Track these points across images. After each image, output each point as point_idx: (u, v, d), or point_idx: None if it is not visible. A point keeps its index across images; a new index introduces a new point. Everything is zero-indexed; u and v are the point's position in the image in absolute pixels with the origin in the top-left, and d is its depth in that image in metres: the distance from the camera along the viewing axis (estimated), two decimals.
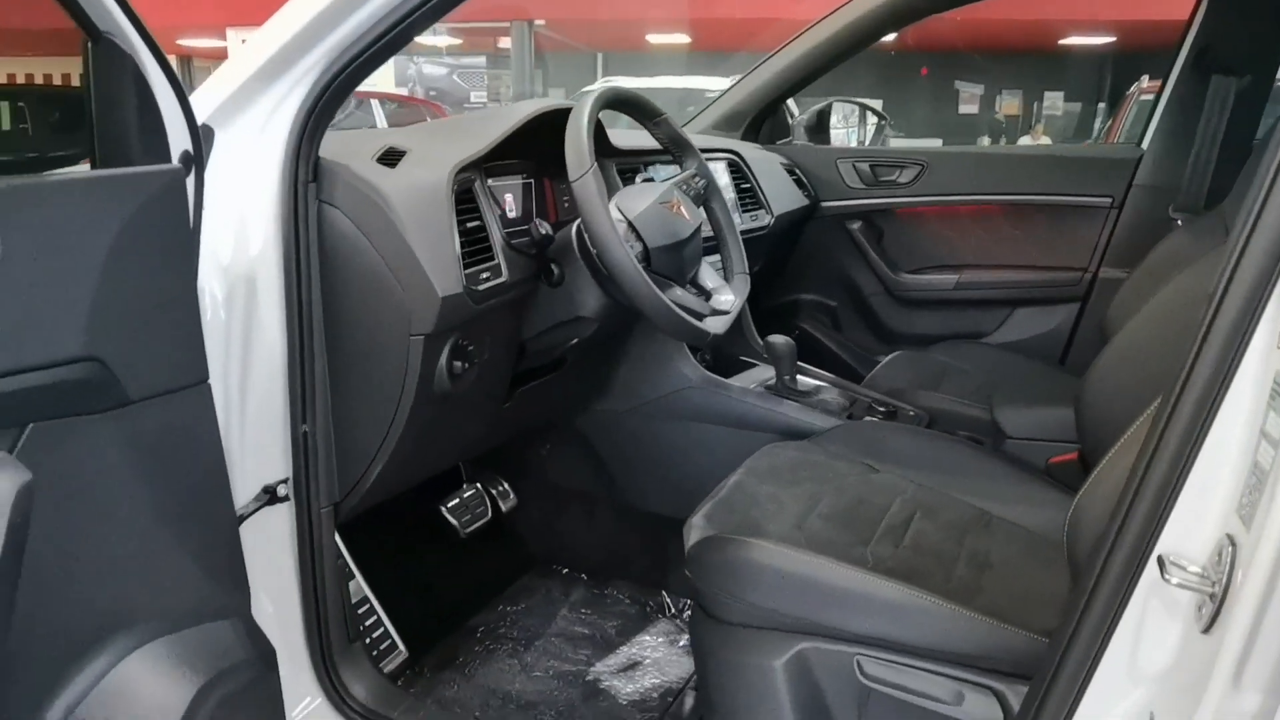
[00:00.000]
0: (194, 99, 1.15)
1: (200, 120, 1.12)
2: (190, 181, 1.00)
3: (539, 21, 11.59)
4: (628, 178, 1.65)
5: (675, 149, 1.50)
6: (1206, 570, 0.68)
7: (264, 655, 1.06)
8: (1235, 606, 0.63)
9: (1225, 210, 1.65)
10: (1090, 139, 12.71)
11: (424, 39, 13.47)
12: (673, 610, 1.82)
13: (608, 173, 1.60)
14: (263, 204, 1.14)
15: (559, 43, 13.06)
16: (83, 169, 0.93)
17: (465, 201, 1.27)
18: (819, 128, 2.59)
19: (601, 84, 1.59)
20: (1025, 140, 12.07)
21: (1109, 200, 2.21)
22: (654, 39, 13.70)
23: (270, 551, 1.26)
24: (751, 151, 2.27)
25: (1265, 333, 0.67)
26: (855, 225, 2.47)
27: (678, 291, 1.34)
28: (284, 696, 1.21)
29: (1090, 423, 1.38)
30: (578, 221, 1.34)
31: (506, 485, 1.98)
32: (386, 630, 1.62)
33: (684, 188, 1.45)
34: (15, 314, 0.77)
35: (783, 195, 2.22)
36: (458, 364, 1.24)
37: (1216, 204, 1.79)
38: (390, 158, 1.24)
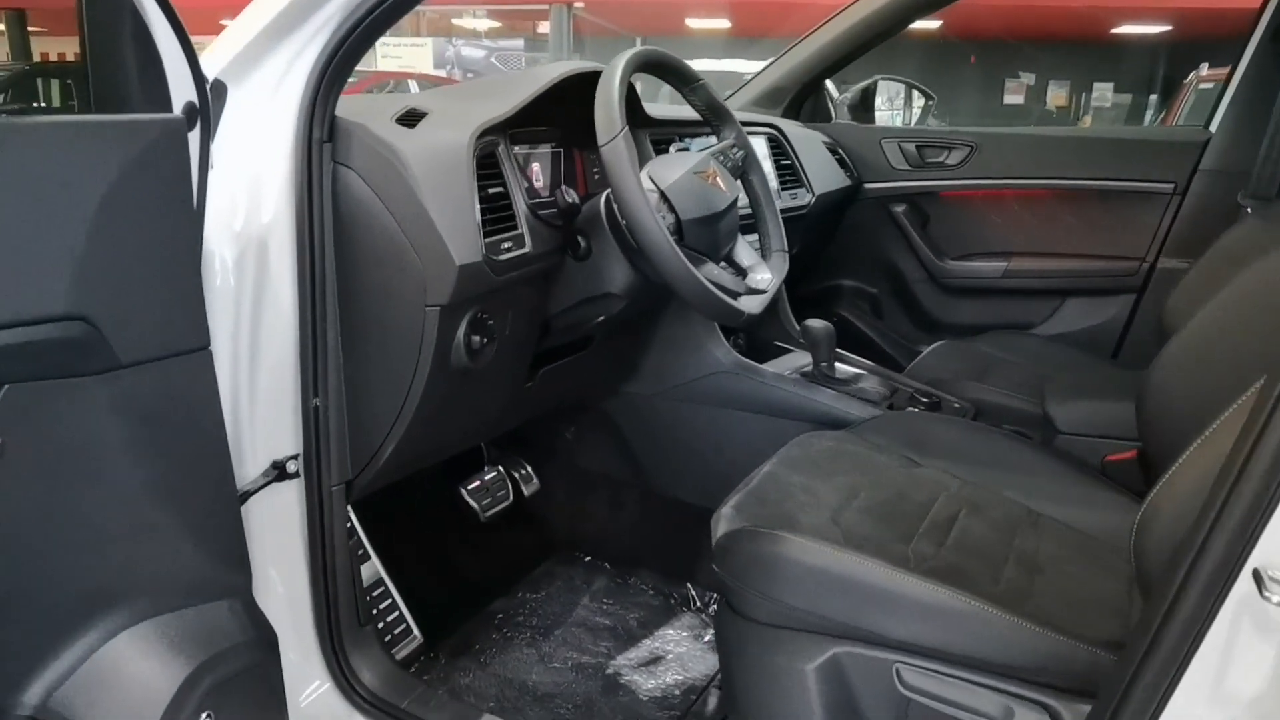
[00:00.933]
0: (207, 54, 1.09)
1: (213, 76, 1.07)
2: (195, 136, 0.94)
3: (578, 5, 11.49)
4: (661, 149, 1.57)
5: (713, 117, 1.42)
6: None
7: (264, 639, 1.01)
8: None
9: None
10: None
11: (462, 21, 13.43)
12: (698, 604, 1.75)
13: (640, 144, 1.52)
14: (276, 164, 1.08)
15: (598, 26, 12.95)
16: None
17: (488, 167, 1.20)
18: (863, 106, 2.48)
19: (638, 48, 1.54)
20: None
21: (1171, 186, 2.08)
22: (694, 23, 13.54)
23: (279, 529, 1.20)
24: (793, 128, 2.18)
25: None
26: (899, 208, 2.37)
27: (711, 268, 1.26)
28: (291, 681, 1.16)
29: (1153, 420, 1.28)
30: (607, 192, 1.26)
31: (529, 468, 1.92)
32: (401, 614, 1.57)
33: (721, 158, 1.36)
34: None
35: (824, 174, 2.13)
36: (476, 338, 1.17)
37: None
38: (410, 119, 1.17)
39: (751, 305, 1.26)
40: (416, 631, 1.57)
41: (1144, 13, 10.99)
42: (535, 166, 1.37)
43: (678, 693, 1.52)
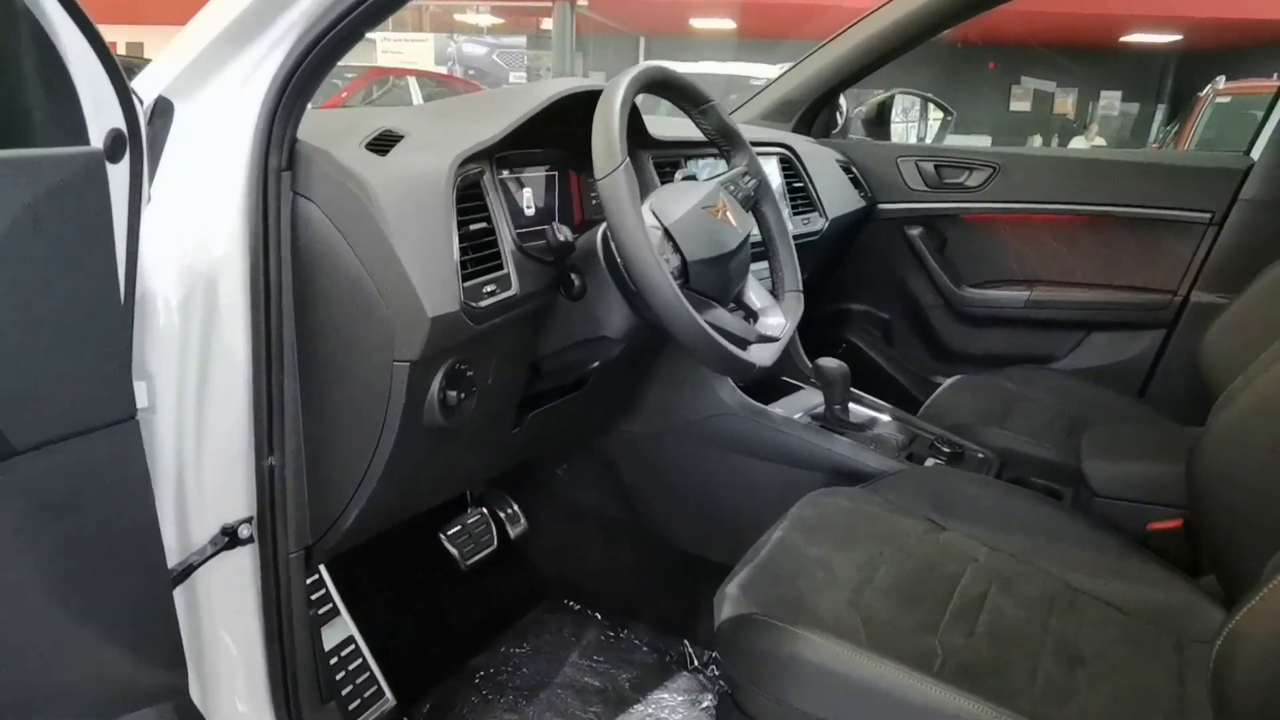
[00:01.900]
0: (152, 66, 0.96)
1: (157, 92, 0.94)
2: (124, 166, 0.81)
3: (581, 2, 11.34)
4: (666, 173, 1.44)
5: (724, 141, 1.28)
6: None
7: None
8: None
9: None
10: (1149, 142, 12.23)
11: (465, 17, 13.27)
12: (695, 663, 1.62)
13: (643, 168, 1.38)
14: (229, 193, 0.95)
15: (601, 25, 12.81)
16: None
17: (472, 199, 1.06)
18: (879, 122, 2.35)
19: (642, 65, 1.43)
20: (1078, 142, 11.60)
21: (1207, 216, 1.95)
22: (698, 24, 13.40)
23: (231, 601, 1.07)
24: (805, 146, 2.05)
25: None
26: (915, 231, 2.24)
27: (720, 313, 1.13)
28: None
29: (1205, 491, 1.15)
30: (604, 226, 1.13)
31: (516, 508, 1.79)
32: (373, 676, 1.44)
33: (732, 188, 1.23)
34: None
35: (838, 196, 1.99)
36: (453, 394, 1.03)
37: None
38: (384, 143, 1.04)
39: (763, 356, 1.13)
40: (389, 694, 1.44)
41: (1154, 21, 10.86)
42: (527, 192, 1.24)
43: None
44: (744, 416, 1.53)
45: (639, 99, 1.15)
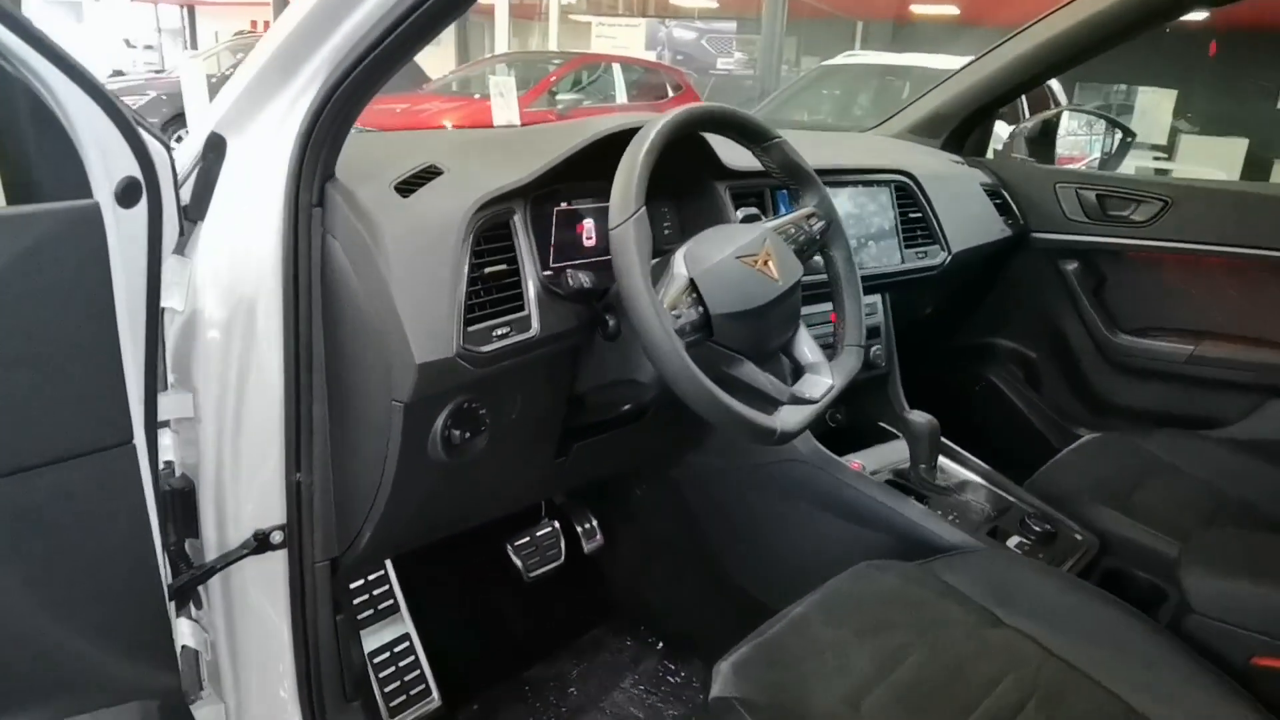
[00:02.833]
0: (214, 102, 1.03)
1: (209, 128, 1.00)
2: (140, 211, 0.87)
3: None
4: (748, 204, 1.38)
5: (791, 180, 1.20)
6: None
7: None
8: None
9: None
10: None
11: (680, 1, 13.34)
12: None
13: (715, 199, 1.33)
14: (267, 226, 1.00)
15: (816, 9, 12.46)
16: None
17: (499, 239, 1.06)
18: (1043, 141, 2.13)
19: (687, 107, 1.31)
20: None
21: None
22: (919, 9, 12.74)
23: (266, 600, 1.15)
24: (941, 168, 1.89)
25: None
26: (1071, 265, 2.02)
27: (749, 369, 1.06)
28: None
29: None
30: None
31: (595, 523, 1.79)
32: (423, 674, 1.49)
33: (790, 231, 1.15)
34: None
35: (970, 226, 1.83)
36: (458, 432, 1.04)
37: None
38: (415, 181, 1.05)
39: (790, 420, 1.05)
40: (436, 694, 1.49)
41: None
42: (588, 223, 1.22)
43: None
44: (815, 465, 1.44)
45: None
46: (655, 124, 1.03)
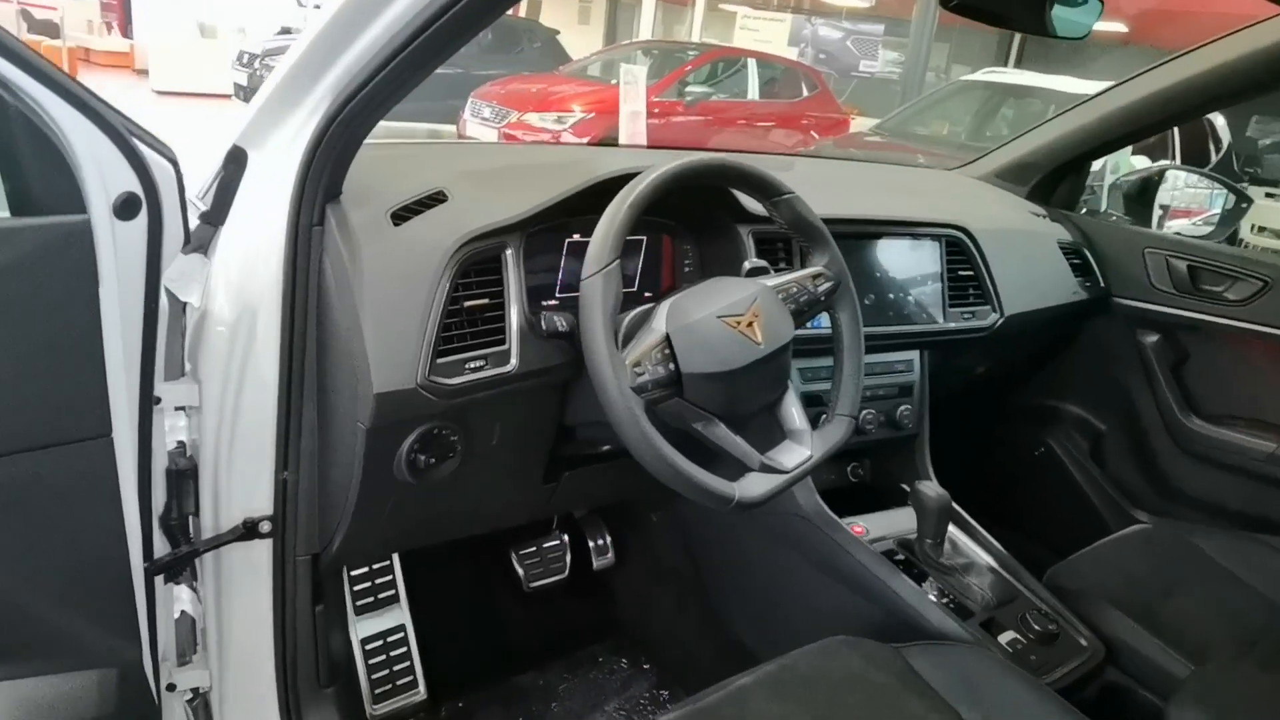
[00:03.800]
0: (240, 114, 1.08)
1: (232, 141, 1.05)
2: (140, 222, 0.92)
3: None
4: (770, 248, 1.34)
5: (801, 236, 1.17)
6: None
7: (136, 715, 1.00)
8: None
9: None
10: None
11: None
12: None
13: (738, 243, 1.30)
14: (273, 240, 1.05)
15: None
16: None
17: (488, 272, 1.07)
18: (1140, 200, 1.98)
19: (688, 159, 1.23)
20: None
21: None
22: None
23: (250, 586, 1.21)
24: (1012, 222, 1.79)
25: None
26: (1151, 338, 1.89)
27: (718, 430, 1.04)
28: None
29: None
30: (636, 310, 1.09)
31: (608, 540, 1.80)
32: (412, 666, 1.54)
33: (791, 290, 1.12)
34: None
35: (1034, 288, 1.72)
36: (422, 457, 1.06)
37: None
38: (413, 209, 1.07)
39: (752, 490, 1.02)
40: (422, 686, 1.54)
41: None
42: None
43: None
44: (814, 523, 1.40)
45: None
46: (650, 174, 1.02)
